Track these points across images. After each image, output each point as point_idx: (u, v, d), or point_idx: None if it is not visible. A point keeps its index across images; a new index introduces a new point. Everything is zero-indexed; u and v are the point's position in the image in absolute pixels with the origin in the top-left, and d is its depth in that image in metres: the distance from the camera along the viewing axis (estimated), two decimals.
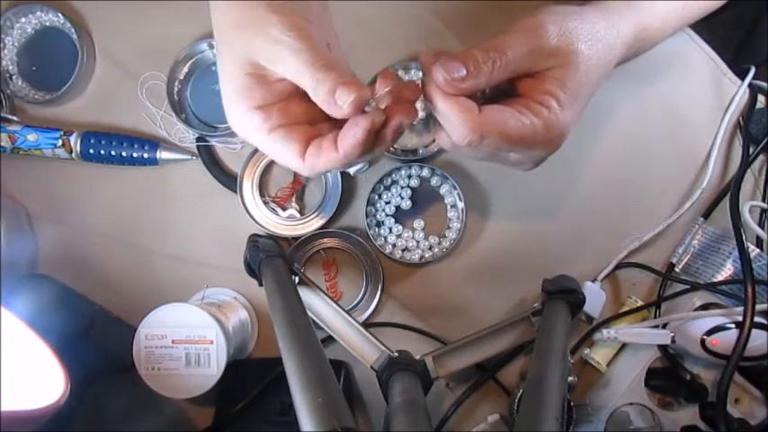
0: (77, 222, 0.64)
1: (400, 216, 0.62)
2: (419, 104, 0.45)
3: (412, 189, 0.61)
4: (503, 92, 0.44)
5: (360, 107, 0.39)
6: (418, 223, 0.61)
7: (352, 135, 0.39)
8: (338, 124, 0.42)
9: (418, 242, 0.62)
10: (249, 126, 0.41)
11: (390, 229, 0.61)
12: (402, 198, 0.61)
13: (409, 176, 0.61)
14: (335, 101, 0.39)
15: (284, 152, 0.41)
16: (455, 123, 0.41)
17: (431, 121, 0.61)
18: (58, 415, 0.45)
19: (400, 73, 0.61)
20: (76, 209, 0.64)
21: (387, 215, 0.61)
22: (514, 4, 0.62)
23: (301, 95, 0.42)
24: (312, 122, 0.43)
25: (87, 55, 0.63)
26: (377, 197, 0.62)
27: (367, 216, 0.61)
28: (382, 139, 0.41)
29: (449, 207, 0.62)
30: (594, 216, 0.62)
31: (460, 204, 0.61)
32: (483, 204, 0.62)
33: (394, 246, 0.61)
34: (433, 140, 0.61)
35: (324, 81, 0.39)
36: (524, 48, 0.42)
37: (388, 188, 0.62)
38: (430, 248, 0.61)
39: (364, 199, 0.61)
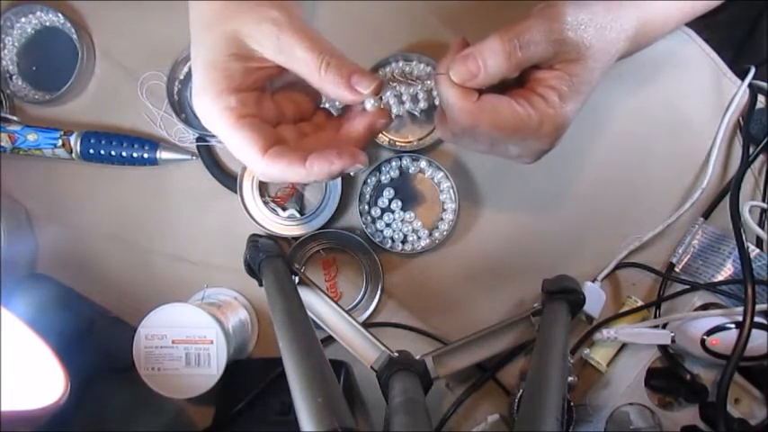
0: (77, 222, 0.64)
1: (394, 207, 0.62)
2: (421, 95, 0.46)
3: (402, 180, 0.62)
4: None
5: (378, 91, 0.41)
6: (409, 215, 0.62)
7: (328, 164, 0.40)
8: (300, 130, 0.44)
9: (417, 231, 0.62)
10: (219, 108, 0.40)
11: (385, 220, 0.62)
12: (393, 190, 0.62)
13: (399, 168, 0.62)
14: (353, 85, 0.40)
15: (247, 144, 0.41)
16: (453, 109, 0.42)
17: (433, 113, 0.61)
18: (58, 415, 0.45)
19: (401, 64, 0.61)
20: (76, 209, 0.64)
21: (380, 208, 0.62)
22: None
23: (269, 94, 0.42)
24: (276, 123, 0.44)
25: (87, 55, 0.63)
26: (369, 189, 0.62)
27: (360, 203, 0.61)
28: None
29: (441, 197, 0.62)
30: (594, 216, 0.62)
31: (454, 195, 0.61)
32: (481, 204, 0.62)
33: (392, 239, 0.62)
34: (427, 134, 0.61)
35: (337, 66, 0.40)
36: (546, 37, 0.41)
37: (379, 180, 0.62)
38: (430, 235, 0.61)
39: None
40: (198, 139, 0.63)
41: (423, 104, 0.58)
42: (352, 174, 0.60)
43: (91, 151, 0.62)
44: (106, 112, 0.64)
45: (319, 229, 0.61)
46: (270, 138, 0.41)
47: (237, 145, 0.41)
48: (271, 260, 0.51)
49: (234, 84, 0.41)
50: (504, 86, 0.44)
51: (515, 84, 0.45)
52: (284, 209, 0.62)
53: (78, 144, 0.61)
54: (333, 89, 0.41)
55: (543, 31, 0.41)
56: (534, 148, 0.45)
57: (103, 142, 0.62)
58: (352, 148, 0.40)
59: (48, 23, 0.65)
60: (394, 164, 0.62)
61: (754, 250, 0.55)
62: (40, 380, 0.47)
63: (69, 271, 0.63)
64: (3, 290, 0.55)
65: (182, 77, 0.63)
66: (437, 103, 0.50)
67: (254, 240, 0.55)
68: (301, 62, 0.40)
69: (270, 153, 0.40)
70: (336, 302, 0.54)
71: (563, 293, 0.54)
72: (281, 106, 0.44)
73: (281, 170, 0.40)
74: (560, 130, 0.44)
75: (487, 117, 0.42)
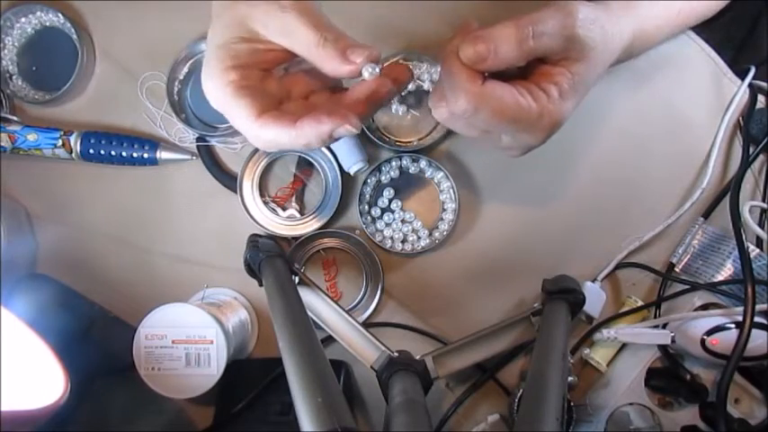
0: (77, 222, 0.64)
1: (394, 207, 0.62)
2: (433, 76, 0.46)
3: (402, 180, 0.62)
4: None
5: (375, 60, 0.41)
6: (409, 215, 0.62)
7: (316, 123, 0.39)
8: (310, 104, 0.44)
9: (417, 231, 0.62)
10: (222, 83, 0.41)
11: (385, 220, 0.62)
12: (393, 190, 0.62)
13: (399, 168, 0.62)
14: (348, 56, 0.40)
15: (242, 108, 0.41)
16: (457, 90, 0.42)
17: (423, 98, 0.61)
18: (58, 415, 0.45)
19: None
20: (76, 209, 0.64)
21: (380, 208, 0.62)
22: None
23: (277, 76, 0.43)
24: (280, 101, 0.44)
25: (87, 55, 0.63)
26: (369, 189, 0.62)
27: (360, 203, 0.61)
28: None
29: (441, 197, 0.62)
30: (594, 216, 0.62)
31: (454, 195, 0.61)
32: (481, 204, 0.62)
33: (392, 239, 0.62)
34: (427, 134, 0.61)
35: (335, 40, 0.41)
36: (559, 31, 0.41)
37: (379, 180, 0.62)
38: (430, 235, 0.61)
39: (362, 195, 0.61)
40: (198, 139, 0.63)
41: (410, 86, 0.57)
42: (352, 173, 0.60)
43: (91, 151, 0.62)
44: (106, 112, 0.64)
45: (319, 229, 0.61)
46: (268, 105, 0.42)
47: (235, 111, 0.41)
48: (271, 260, 0.51)
49: (238, 62, 0.42)
50: (505, 75, 0.44)
51: (517, 73, 0.44)
52: (284, 209, 0.62)
53: (78, 144, 0.61)
54: (330, 63, 0.41)
55: (557, 24, 0.41)
56: (526, 142, 0.46)
57: (103, 142, 0.62)
58: (343, 110, 0.40)
59: (48, 23, 0.65)
60: (394, 164, 0.62)
61: (754, 250, 0.55)
62: (40, 380, 0.47)
63: (69, 271, 0.63)
64: (3, 290, 0.55)
65: (182, 77, 0.63)
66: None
67: (254, 240, 0.55)
68: (302, 42, 0.41)
69: (263, 116, 0.41)
70: (336, 302, 0.54)
71: (563, 293, 0.54)
72: (288, 86, 0.45)
73: (273, 134, 0.41)
74: (556, 126, 0.44)
75: (490, 103, 0.42)
